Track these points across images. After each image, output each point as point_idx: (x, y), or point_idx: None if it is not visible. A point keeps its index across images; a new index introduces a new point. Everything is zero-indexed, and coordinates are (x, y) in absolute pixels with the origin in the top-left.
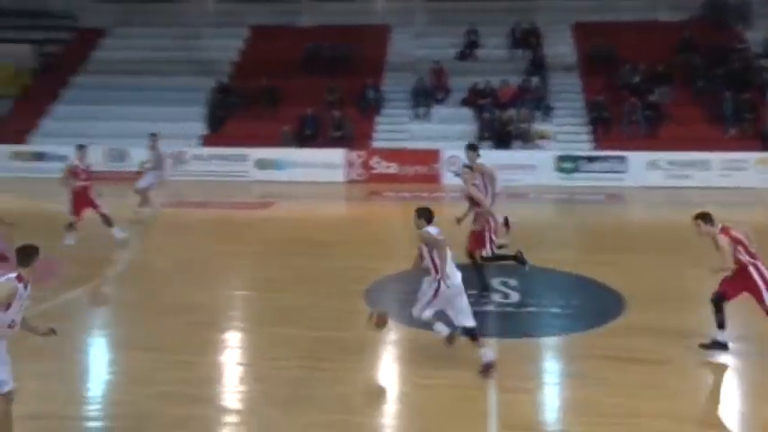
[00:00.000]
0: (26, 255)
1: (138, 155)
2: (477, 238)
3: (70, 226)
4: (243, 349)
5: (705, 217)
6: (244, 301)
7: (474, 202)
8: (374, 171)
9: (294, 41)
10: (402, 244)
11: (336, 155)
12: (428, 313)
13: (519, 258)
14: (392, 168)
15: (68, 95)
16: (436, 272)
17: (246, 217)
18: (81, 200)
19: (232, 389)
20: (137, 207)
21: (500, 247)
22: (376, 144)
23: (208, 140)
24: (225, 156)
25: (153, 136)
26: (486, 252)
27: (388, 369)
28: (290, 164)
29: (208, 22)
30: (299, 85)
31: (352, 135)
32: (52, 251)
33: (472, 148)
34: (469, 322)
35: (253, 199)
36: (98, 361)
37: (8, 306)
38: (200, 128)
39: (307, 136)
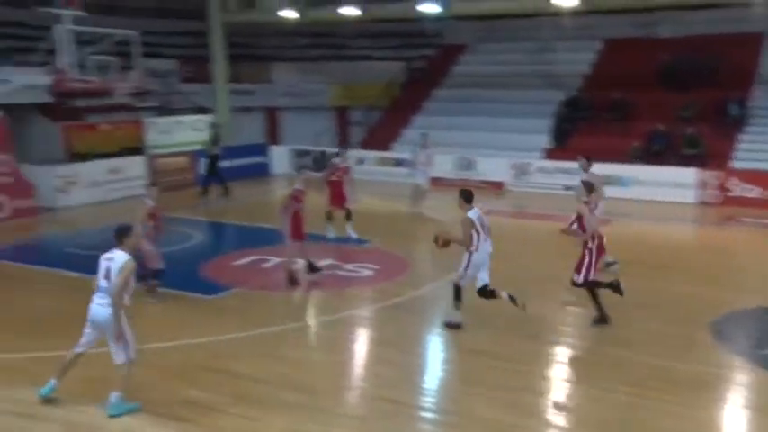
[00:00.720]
0: (122, 234)
1: (484, 165)
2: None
3: (329, 215)
4: (571, 366)
5: None
6: (575, 316)
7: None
8: (731, 194)
9: (650, 53)
10: (759, 277)
11: (688, 174)
12: (464, 281)
13: (615, 286)
14: (754, 192)
15: (429, 107)
16: (470, 244)
17: None
18: (335, 194)
19: (558, 404)
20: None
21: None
22: (735, 164)
23: (552, 153)
24: (568, 169)
25: (424, 135)
26: (578, 279)
27: (733, 412)
28: (635, 181)
29: (561, 36)
30: (651, 99)
31: (705, 153)
32: (402, 249)
33: (587, 160)
34: (485, 281)
35: None
36: (435, 357)
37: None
38: (546, 140)
39: (655, 152)
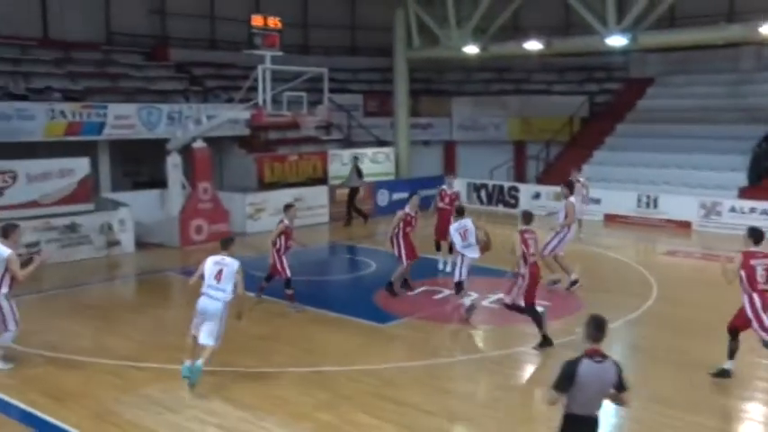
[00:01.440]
0: (228, 243)
1: (668, 203)
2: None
3: (437, 245)
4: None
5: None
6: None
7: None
8: None
9: None
10: None
11: None
12: (464, 274)
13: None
14: None
15: (611, 142)
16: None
17: None
18: (443, 222)
19: None
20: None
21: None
22: None
23: (747, 192)
24: (766, 210)
25: (575, 168)
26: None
27: None
28: None
29: (765, 67)
30: None
31: None
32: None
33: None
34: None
35: None
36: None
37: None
38: (741, 179)
39: None
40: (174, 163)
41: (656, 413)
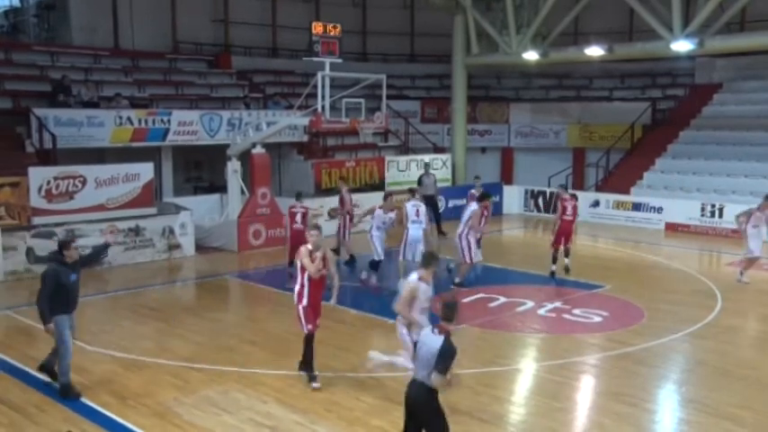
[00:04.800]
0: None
1: (734, 212)
2: None
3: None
4: None
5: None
6: None
7: None
8: None
9: None
10: None
11: None
12: (408, 256)
13: None
14: None
15: (674, 150)
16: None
17: None
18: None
19: None
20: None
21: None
22: None
23: None
24: None
25: None
26: None
27: None
28: None
29: None
30: None
31: None
32: (638, 297)
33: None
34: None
35: None
36: (667, 413)
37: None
38: None
39: None
40: (233, 168)
41: (715, 427)
